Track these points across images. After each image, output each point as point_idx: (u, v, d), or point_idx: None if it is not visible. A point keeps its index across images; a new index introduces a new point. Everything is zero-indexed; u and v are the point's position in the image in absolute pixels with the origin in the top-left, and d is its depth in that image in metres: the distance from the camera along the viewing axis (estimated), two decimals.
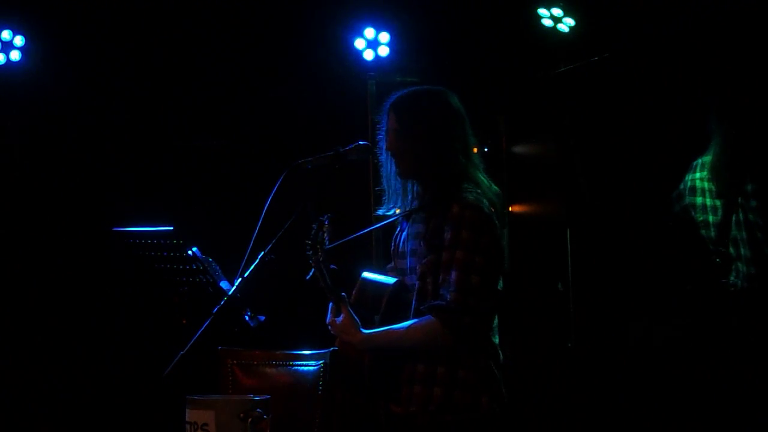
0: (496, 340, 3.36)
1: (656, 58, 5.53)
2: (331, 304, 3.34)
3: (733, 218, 4.07)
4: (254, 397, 2.80)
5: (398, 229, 3.53)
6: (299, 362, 3.40)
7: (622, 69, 5.66)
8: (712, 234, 4.13)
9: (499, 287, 3.31)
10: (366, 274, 3.47)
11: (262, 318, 3.58)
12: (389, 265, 3.59)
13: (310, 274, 3.28)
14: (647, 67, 5.59)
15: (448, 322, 3.15)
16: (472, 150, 3.42)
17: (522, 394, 5.97)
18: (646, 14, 5.46)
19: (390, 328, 3.24)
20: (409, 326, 3.22)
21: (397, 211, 3.51)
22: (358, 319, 3.27)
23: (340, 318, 3.28)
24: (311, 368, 3.38)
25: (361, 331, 3.24)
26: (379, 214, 3.53)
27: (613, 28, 5.68)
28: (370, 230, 3.52)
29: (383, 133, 3.43)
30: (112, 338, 5.83)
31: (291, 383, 3.36)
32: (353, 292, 3.41)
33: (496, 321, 3.35)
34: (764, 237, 4.02)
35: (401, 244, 3.46)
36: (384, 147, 3.41)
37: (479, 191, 3.30)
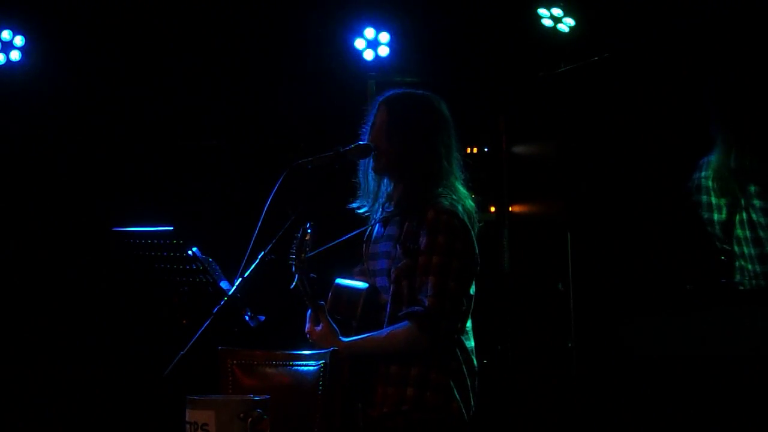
0: (471, 344, 3.38)
1: (656, 58, 5.53)
2: (309, 312, 3.38)
3: (737, 218, 4.08)
4: (254, 397, 2.80)
5: (369, 230, 3.54)
6: (299, 362, 3.39)
7: (622, 69, 5.66)
8: (717, 232, 4.14)
9: (471, 292, 3.35)
10: (339, 280, 3.50)
11: (262, 318, 3.58)
12: (357, 268, 3.61)
13: (294, 282, 3.30)
14: (647, 67, 5.59)
15: (426, 327, 3.20)
16: (457, 160, 3.45)
17: (522, 395, 5.97)
18: (646, 14, 5.45)
19: (369, 336, 3.28)
20: (388, 333, 3.26)
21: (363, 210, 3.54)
22: (336, 328, 3.30)
23: (320, 327, 3.32)
24: (311, 368, 3.37)
25: (340, 339, 3.28)
26: (353, 207, 3.56)
27: (613, 28, 5.68)
28: (348, 237, 3.54)
29: (368, 126, 3.46)
30: (112, 338, 5.83)
31: (291, 383, 3.35)
32: (328, 298, 3.44)
33: (470, 324, 3.39)
34: (767, 236, 4.03)
35: (372, 245, 3.48)
36: (367, 140, 3.44)
37: (455, 197, 3.32)
